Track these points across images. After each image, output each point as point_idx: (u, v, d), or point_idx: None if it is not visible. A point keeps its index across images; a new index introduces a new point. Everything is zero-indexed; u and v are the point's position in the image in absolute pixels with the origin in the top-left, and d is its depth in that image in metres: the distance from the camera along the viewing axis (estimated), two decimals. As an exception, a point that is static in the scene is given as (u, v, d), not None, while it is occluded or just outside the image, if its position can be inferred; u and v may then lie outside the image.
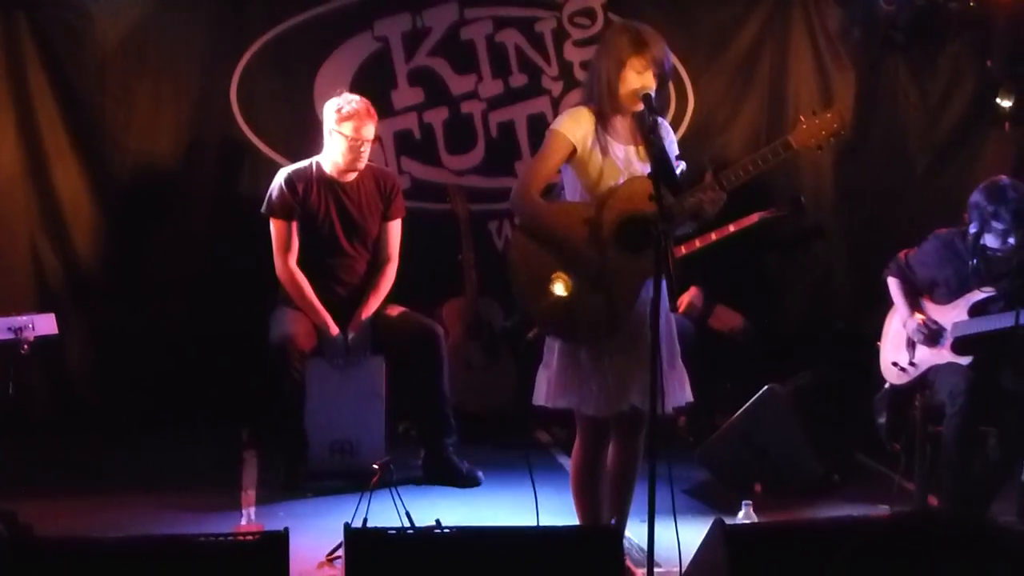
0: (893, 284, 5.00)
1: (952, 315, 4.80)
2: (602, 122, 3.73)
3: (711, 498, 5.05)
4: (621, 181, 3.69)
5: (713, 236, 5.79)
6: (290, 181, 5.21)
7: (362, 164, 5.21)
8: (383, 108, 5.96)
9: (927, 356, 4.84)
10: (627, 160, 3.73)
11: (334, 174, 5.22)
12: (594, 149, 3.71)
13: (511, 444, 5.46)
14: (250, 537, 3.10)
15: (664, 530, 3.43)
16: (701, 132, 6.45)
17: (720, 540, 3.12)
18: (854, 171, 6.52)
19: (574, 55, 6.37)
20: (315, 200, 5.21)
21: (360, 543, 3.12)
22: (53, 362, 5.95)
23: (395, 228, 5.37)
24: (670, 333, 3.80)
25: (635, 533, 4.14)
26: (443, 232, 6.06)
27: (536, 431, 5.97)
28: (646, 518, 3.31)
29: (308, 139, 5.56)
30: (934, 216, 5.65)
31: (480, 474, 5.28)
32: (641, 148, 3.73)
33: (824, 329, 6.46)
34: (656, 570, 3.38)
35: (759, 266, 6.58)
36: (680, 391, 3.82)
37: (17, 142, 5.94)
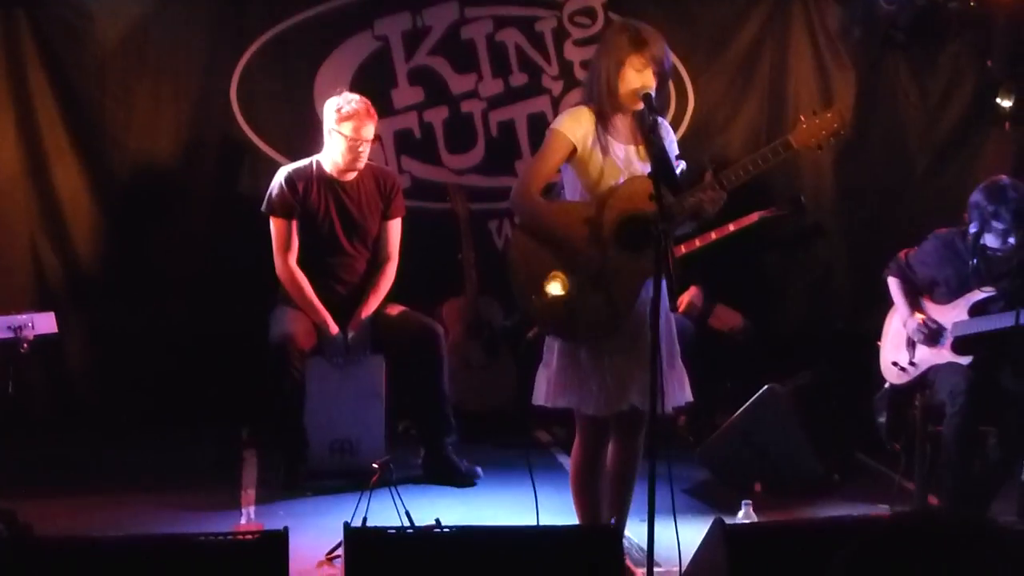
0: (893, 284, 5.00)
1: (952, 315, 4.79)
2: (602, 121, 3.73)
3: (711, 498, 5.05)
4: (621, 180, 3.69)
5: (713, 235, 5.79)
6: (290, 180, 5.21)
7: (361, 164, 5.21)
8: (383, 107, 5.96)
9: (927, 356, 4.84)
10: (627, 160, 3.72)
11: (334, 173, 5.22)
12: (594, 149, 3.70)
13: (511, 443, 5.48)
14: (250, 536, 3.11)
15: (664, 529, 3.43)
16: (701, 131, 6.45)
17: (720, 540, 3.12)
18: (854, 170, 6.52)
19: (574, 54, 6.36)
20: (315, 199, 5.21)
21: (360, 542, 3.12)
22: (53, 361, 5.95)
23: (395, 227, 5.37)
24: (670, 333, 3.80)
25: (635, 532, 4.14)
26: (443, 231, 6.06)
27: (536, 430, 5.97)
28: (646, 517, 3.30)
29: (308, 138, 5.55)
30: (934, 216, 5.65)
31: (479, 470, 5.28)
32: (641, 148, 3.73)
33: (824, 329, 6.46)
34: (656, 570, 3.37)
35: (759, 266, 6.58)
36: (680, 391, 3.82)
37: (17, 141, 5.94)
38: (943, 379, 4.76)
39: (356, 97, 5.17)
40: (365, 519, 3.97)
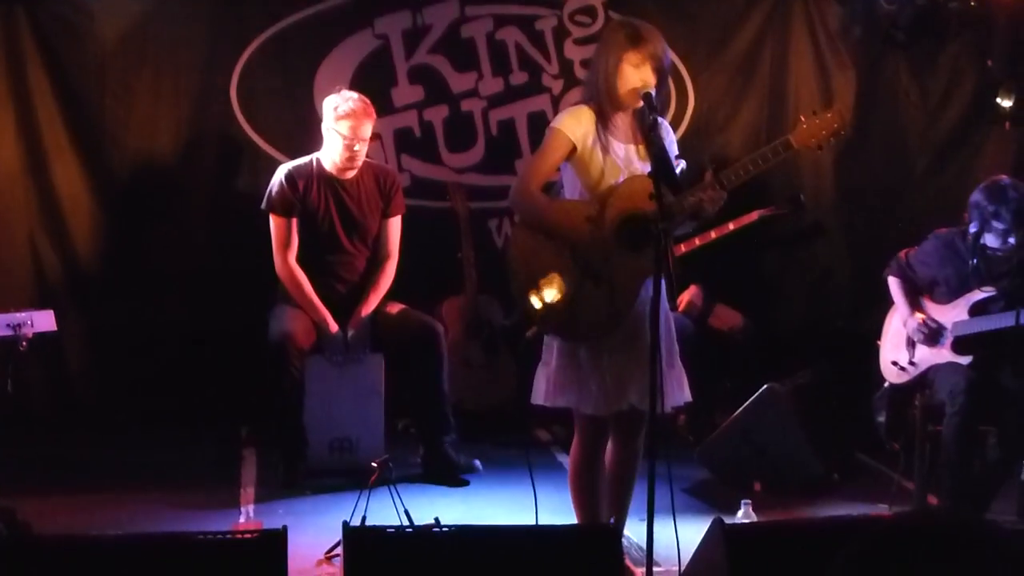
0: (893, 283, 5.00)
1: (952, 314, 4.79)
2: (602, 120, 3.72)
3: (710, 497, 5.05)
4: (621, 180, 3.69)
5: (713, 234, 5.79)
6: (290, 177, 5.21)
7: (359, 162, 5.20)
8: (383, 106, 5.96)
9: (927, 355, 4.84)
10: (627, 159, 3.72)
11: (333, 171, 5.21)
12: (595, 148, 3.70)
13: (511, 442, 5.48)
14: (249, 535, 3.11)
15: (663, 529, 3.43)
16: (701, 130, 6.45)
17: (719, 539, 3.11)
18: (854, 170, 6.51)
19: (575, 53, 6.36)
20: (315, 197, 5.21)
21: (359, 541, 3.12)
22: (52, 359, 5.95)
23: (395, 225, 5.36)
24: (669, 332, 3.79)
25: (634, 532, 4.14)
26: (443, 230, 6.06)
27: (535, 429, 5.96)
28: (645, 517, 3.30)
29: (308, 136, 5.55)
30: (934, 215, 5.66)
31: (477, 462, 5.30)
32: (641, 147, 3.73)
33: (824, 328, 6.46)
34: (655, 569, 3.37)
35: (759, 265, 6.58)
36: (679, 391, 3.82)
37: (16, 139, 5.93)
38: (943, 379, 4.76)
39: (354, 95, 5.17)
40: (364, 518, 3.97)
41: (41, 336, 4.44)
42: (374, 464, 4.18)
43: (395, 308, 5.34)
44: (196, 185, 6.15)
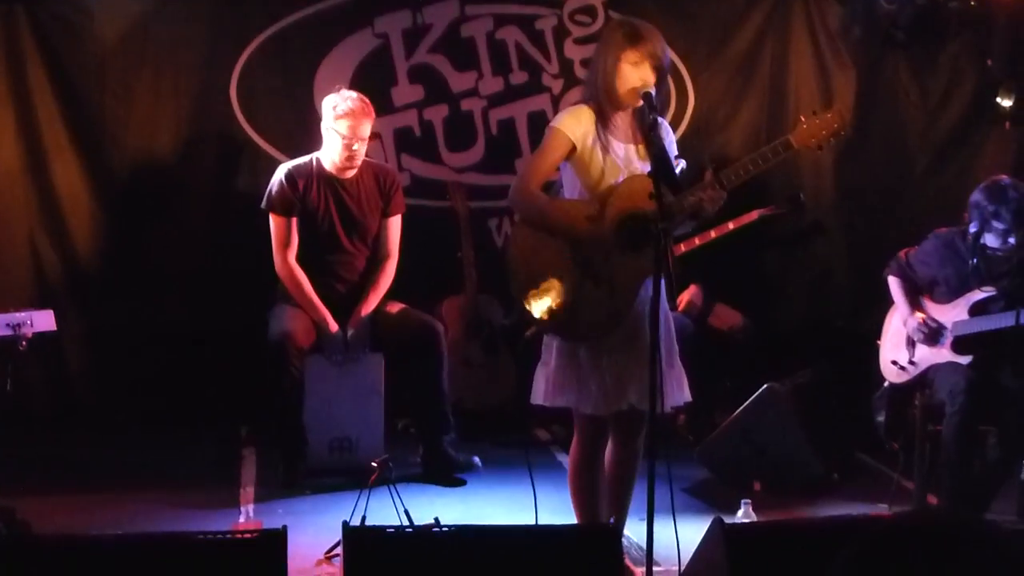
0: (893, 283, 5.00)
1: (952, 314, 4.79)
2: (602, 120, 3.72)
3: (710, 497, 5.05)
4: (621, 179, 3.68)
5: (712, 234, 5.79)
6: (290, 177, 5.20)
7: (358, 161, 5.20)
8: (383, 105, 5.96)
9: (927, 355, 4.84)
10: (627, 159, 3.72)
11: (333, 171, 5.21)
12: (595, 148, 3.70)
13: (510, 442, 5.48)
14: (248, 535, 3.11)
15: (663, 529, 3.43)
16: (701, 130, 6.45)
17: (719, 539, 3.11)
18: (854, 170, 6.51)
19: (575, 53, 6.36)
20: (315, 196, 5.21)
21: (358, 541, 3.11)
22: (51, 359, 5.96)
23: (395, 224, 5.36)
24: (669, 332, 3.79)
25: (634, 532, 4.14)
26: (443, 229, 6.06)
27: (535, 429, 5.97)
28: (645, 517, 3.30)
29: (308, 136, 5.56)
30: (934, 215, 5.66)
31: (476, 459, 5.31)
32: (641, 147, 3.72)
33: (824, 327, 6.46)
34: (655, 569, 3.37)
35: (759, 264, 6.58)
36: (678, 391, 3.81)
37: (16, 138, 5.94)
38: (943, 378, 4.76)
39: (353, 94, 5.17)
40: (364, 518, 3.97)
41: (41, 336, 4.43)
42: (374, 464, 4.18)
43: (395, 307, 5.34)
44: (196, 185, 6.15)
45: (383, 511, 4.11)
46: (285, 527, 3.00)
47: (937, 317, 4.83)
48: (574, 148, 3.70)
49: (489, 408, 5.89)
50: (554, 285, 3.61)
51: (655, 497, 3.28)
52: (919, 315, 4.85)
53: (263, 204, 5.25)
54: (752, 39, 6.46)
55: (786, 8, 6.45)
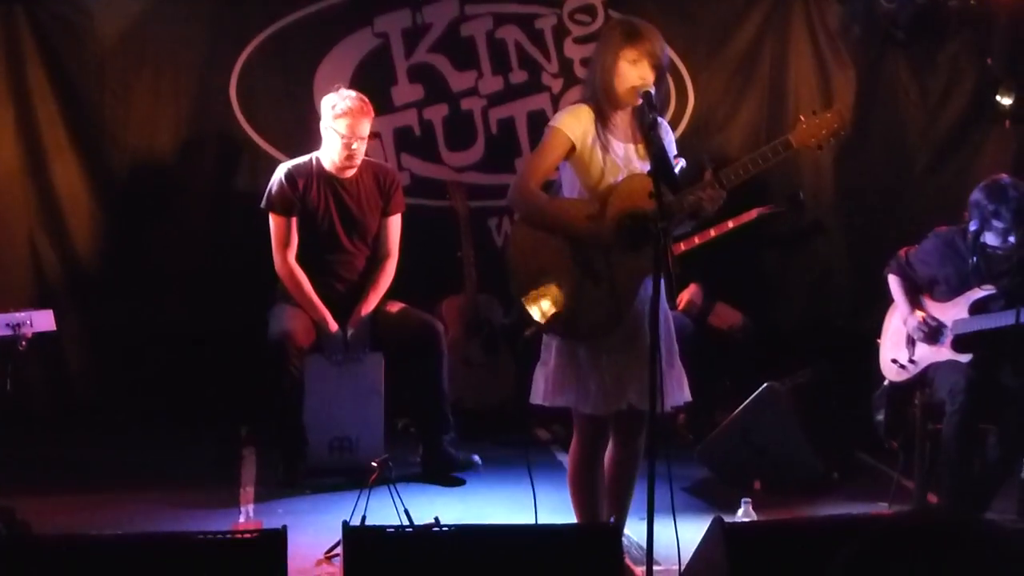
0: (893, 282, 5.00)
1: (952, 313, 4.79)
2: (601, 119, 3.72)
3: (710, 496, 5.05)
4: (620, 179, 3.68)
5: (712, 232, 5.79)
6: (290, 176, 5.20)
7: (357, 161, 5.20)
8: (383, 104, 5.96)
9: (927, 353, 4.84)
10: (627, 158, 3.72)
11: (332, 170, 5.21)
12: (595, 147, 3.69)
13: (510, 441, 5.48)
14: (248, 535, 3.11)
15: (663, 528, 3.43)
16: (701, 129, 6.44)
17: (719, 538, 3.11)
18: (854, 169, 6.51)
19: (574, 52, 6.36)
20: (315, 196, 5.21)
21: (359, 541, 3.11)
22: (51, 359, 5.95)
23: (395, 224, 5.36)
24: (668, 332, 3.78)
25: (634, 531, 4.14)
26: (443, 229, 6.06)
27: (535, 428, 5.97)
28: (645, 516, 3.30)
29: (308, 135, 5.55)
30: (934, 214, 5.65)
31: (476, 458, 5.31)
32: (640, 146, 3.72)
33: (824, 326, 6.46)
34: (655, 568, 3.37)
35: (759, 263, 6.57)
36: (678, 391, 3.81)
37: (16, 138, 5.94)
38: (943, 377, 4.76)
39: (352, 94, 5.16)
40: (364, 517, 3.97)
41: (41, 336, 4.44)
42: (374, 463, 4.18)
43: (395, 307, 5.34)
44: (195, 184, 6.15)
45: (383, 511, 4.12)
46: (285, 527, 3.00)
47: (937, 316, 4.83)
48: (573, 147, 3.70)
49: (489, 408, 5.89)
50: (553, 285, 3.60)
51: (655, 496, 3.28)
52: (919, 314, 4.85)
53: (263, 204, 5.25)
54: (752, 38, 6.46)
55: (786, 7, 6.44)
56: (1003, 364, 4.72)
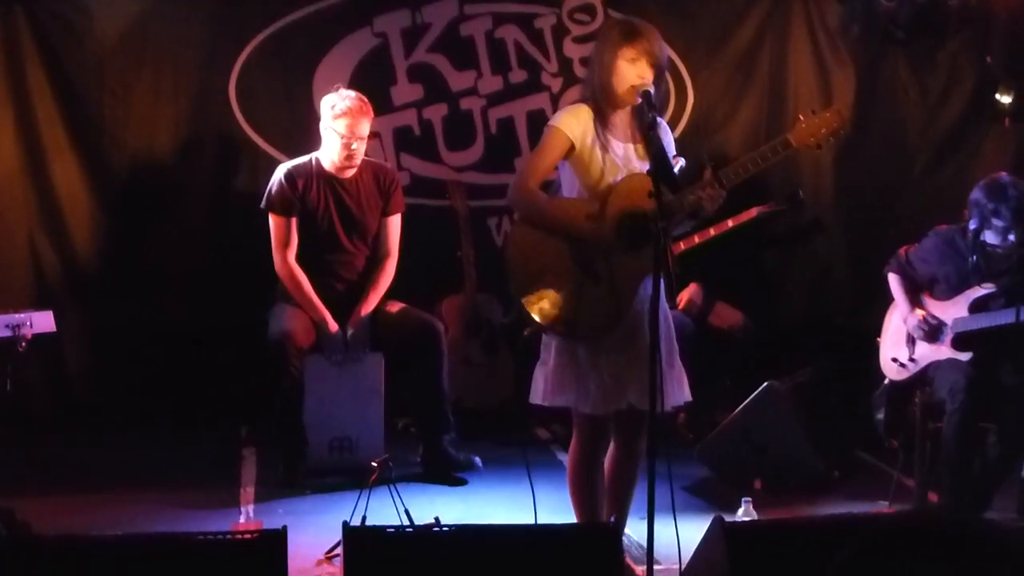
0: (893, 280, 5.00)
1: (952, 311, 4.79)
2: (601, 119, 3.71)
3: (711, 495, 5.05)
4: (620, 178, 3.68)
5: (712, 231, 5.79)
6: (290, 176, 5.20)
7: (357, 161, 5.20)
8: (382, 104, 5.96)
9: (927, 352, 4.84)
10: (626, 157, 3.71)
11: (332, 170, 5.21)
12: (594, 147, 3.69)
13: (510, 441, 5.47)
14: (248, 535, 3.10)
15: (664, 527, 3.42)
16: (700, 128, 6.45)
17: (720, 537, 3.11)
18: (854, 167, 6.51)
19: (574, 51, 6.36)
20: (314, 196, 5.20)
21: (359, 541, 3.11)
22: (51, 359, 5.96)
23: (394, 224, 5.36)
24: (668, 331, 3.78)
25: (634, 530, 4.14)
26: (442, 228, 6.06)
27: (535, 428, 5.97)
28: (645, 515, 3.30)
29: (307, 135, 5.56)
30: (934, 212, 5.66)
31: (476, 459, 5.31)
32: (640, 145, 3.72)
33: (824, 325, 6.46)
34: (656, 567, 3.36)
35: (759, 262, 6.58)
36: (678, 390, 3.80)
37: (15, 138, 5.94)
38: (943, 376, 4.75)
39: (351, 94, 5.16)
40: (364, 517, 3.97)
41: (40, 336, 4.44)
42: (374, 463, 4.18)
43: (395, 307, 5.34)
44: (195, 184, 6.15)
45: (383, 511, 4.12)
46: (285, 527, 3.00)
47: (937, 314, 4.83)
48: (573, 147, 3.70)
49: (489, 407, 5.89)
50: (553, 284, 3.60)
51: (655, 496, 3.28)
52: (919, 312, 4.85)
53: (262, 204, 5.25)
54: (751, 38, 6.46)
55: (785, 7, 6.45)
56: (1003, 362, 4.72)
